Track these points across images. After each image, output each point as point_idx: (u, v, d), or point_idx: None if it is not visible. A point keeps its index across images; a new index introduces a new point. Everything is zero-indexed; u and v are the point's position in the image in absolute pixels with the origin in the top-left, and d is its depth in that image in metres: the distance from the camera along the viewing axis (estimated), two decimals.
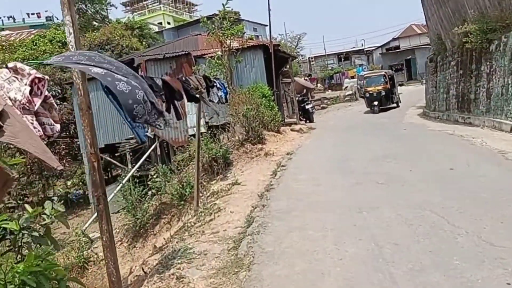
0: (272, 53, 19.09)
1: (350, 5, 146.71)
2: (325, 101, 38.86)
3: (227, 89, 15.12)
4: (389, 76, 26.30)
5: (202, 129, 16.70)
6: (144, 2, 67.43)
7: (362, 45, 55.78)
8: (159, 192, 12.46)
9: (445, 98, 18.49)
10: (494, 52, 13.70)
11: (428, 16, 20.30)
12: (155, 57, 16.68)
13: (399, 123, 19.38)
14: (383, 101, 24.46)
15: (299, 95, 24.77)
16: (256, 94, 14.79)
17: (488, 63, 14.12)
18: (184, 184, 12.09)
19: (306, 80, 44.34)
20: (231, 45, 16.24)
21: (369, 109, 25.01)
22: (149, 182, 13.54)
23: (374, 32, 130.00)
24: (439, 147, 10.59)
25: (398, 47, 47.84)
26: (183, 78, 8.57)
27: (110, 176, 25.73)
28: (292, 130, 19.01)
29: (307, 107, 23.27)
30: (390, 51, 48.19)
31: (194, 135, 15.47)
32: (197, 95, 9.20)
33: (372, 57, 52.41)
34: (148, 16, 63.13)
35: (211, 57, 15.57)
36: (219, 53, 16.36)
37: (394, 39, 49.07)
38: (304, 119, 24.07)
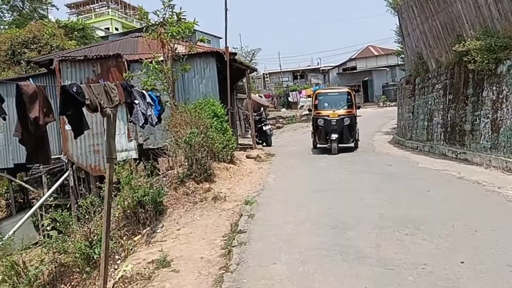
0: (228, 62, 15.45)
1: (307, 22, 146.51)
2: (281, 120, 35.68)
3: (165, 104, 11.31)
4: (353, 96, 17.11)
5: (133, 154, 12.66)
6: (91, 6, 62.25)
7: (318, 63, 53.65)
8: (55, 251, 8.34)
9: (426, 126, 15.57)
10: (504, 75, 10.79)
11: (408, 32, 17.49)
12: (73, 57, 12.53)
13: (371, 151, 16.27)
14: (344, 135, 15.59)
15: (255, 114, 21.30)
16: (205, 113, 11.04)
17: (495, 87, 11.18)
18: (94, 240, 8.12)
19: (261, 97, 41.09)
20: (176, 48, 12.42)
21: (319, 144, 16.21)
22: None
23: (330, 51, 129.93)
24: (466, 204, 7.29)
25: (355, 68, 45.80)
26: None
27: (25, 200, 20.95)
28: (248, 157, 15.35)
29: (264, 128, 19.74)
30: (347, 71, 46.05)
31: (124, 161, 11.49)
32: (108, 110, 5.55)
33: (329, 76, 50.14)
34: (95, 20, 57.94)
35: (150, 61, 11.65)
36: (161, 58, 12.51)
37: (351, 59, 47.06)
38: (260, 141, 20.52)
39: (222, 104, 13.06)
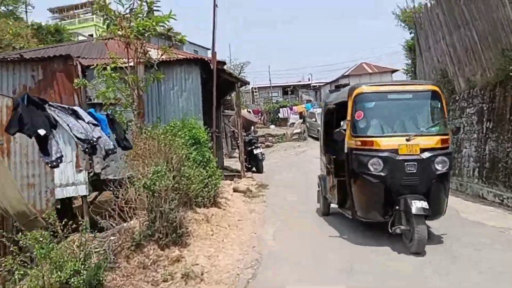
0: (215, 71, 12.39)
1: (297, 37, 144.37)
2: (270, 138, 32.57)
3: (128, 125, 8.17)
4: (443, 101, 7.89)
5: (82, 190, 9.34)
6: (75, 11, 58.87)
7: (309, 79, 50.94)
8: None
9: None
10: None
11: (428, 45, 14.62)
12: (3, 57, 9.26)
13: None
14: (434, 200, 6.90)
15: (245, 134, 18.21)
16: (181, 140, 7.85)
17: None
18: None
19: (250, 112, 38.07)
20: (147, 52, 9.26)
21: (362, 217, 7.18)
22: None
23: (322, 67, 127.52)
24: None
25: (347, 85, 42.98)
26: None
27: None
28: (235, 190, 12.16)
29: (256, 152, 16.61)
30: (339, 89, 43.27)
31: (69, 198, 8.29)
32: None
33: (320, 93, 47.39)
34: (78, 26, 54.56)
35: (104, 67, 8.39)
36: (130, 63, 9.33)
37: (344, 76, 44.40)
38: (250, 166, 17.37)
39: (206, 127, 9.90)
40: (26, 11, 40.59)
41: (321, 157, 9.62)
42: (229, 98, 25.05)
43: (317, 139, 30.70)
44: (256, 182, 13.94)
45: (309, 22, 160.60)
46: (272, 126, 38.67)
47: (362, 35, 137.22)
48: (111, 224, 6.23)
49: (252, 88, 50.59)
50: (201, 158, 8.32)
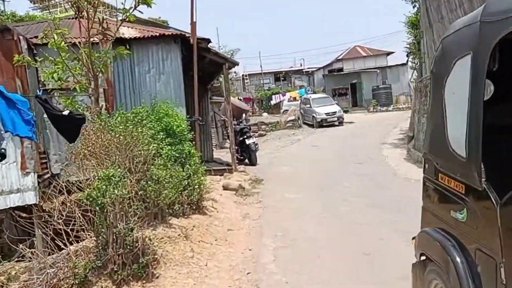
0: (195, 47, 10.47)
1: (288, 20, 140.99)
2: (263, 126, 30.63)
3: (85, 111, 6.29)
4: None
5: (30, 197, 7.39)
6: (57, 0, 55.98)
7: (301, 64, 48.88)
8: None
9: None
10: None
11: (441, 14, 12.72)
12: None
13: (400, 181, 11.50)
14: None
15: (235, 123, 16.29)
16: (149, 131, 5.94)
17: None
18: None
19: (241, 100, 36.12)
20: (107, 25, 7.25)
21: None
22: None
23: (314, 50, 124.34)
24: None
25: (341, 69, 41.20)
26: None
27: None
28: (225, 188, 10.29)
29: (248, 142, 14.70)
30: (333, 73, 41.40)
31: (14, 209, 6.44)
32: None
33: (313, 78, 45.41)
34: (61, 15, 51.96)
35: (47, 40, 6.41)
36: (91, 39, 7.34)
37: (337, 60, 42.46)
38: (242, 157, 15.50)
39: (189, 116, 7.99)
40: (3, 1, 38.11)
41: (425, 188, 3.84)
42: (218, 84, 23.09)
43: (312, 126, 28.94)
44: (249, 176, 12.09)
45: (300, 6, 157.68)
46: (265, 114, 36.75)
47: (357, 17, 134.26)
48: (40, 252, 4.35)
49: (243, 75, 48.52)
50: (178, 154, 6.42)
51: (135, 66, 10.81)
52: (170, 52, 11.02)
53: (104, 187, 4.26)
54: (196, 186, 6.95)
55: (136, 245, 4.37)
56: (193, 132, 7.86)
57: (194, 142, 7.48)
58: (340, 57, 42.41)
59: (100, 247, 4.33)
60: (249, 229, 6.80)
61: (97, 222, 4.33)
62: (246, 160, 15.23)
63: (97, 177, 4.44)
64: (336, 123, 27.63)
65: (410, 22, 18.81)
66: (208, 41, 11.65)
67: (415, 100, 16.73)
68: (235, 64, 12.89)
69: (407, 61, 39.13)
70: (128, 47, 10.67)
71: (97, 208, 4.21)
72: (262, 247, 5.83)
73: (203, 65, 13.97)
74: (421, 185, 8.29)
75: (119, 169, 4.56)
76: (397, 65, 39.12)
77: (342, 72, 40.44)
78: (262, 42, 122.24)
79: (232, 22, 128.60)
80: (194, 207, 6.93)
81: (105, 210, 4.28)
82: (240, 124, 16.05)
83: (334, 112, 27.68)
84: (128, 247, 4.32)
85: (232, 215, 7.60)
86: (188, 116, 8.28)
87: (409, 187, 9.87)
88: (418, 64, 18.18)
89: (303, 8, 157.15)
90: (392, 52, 42.07)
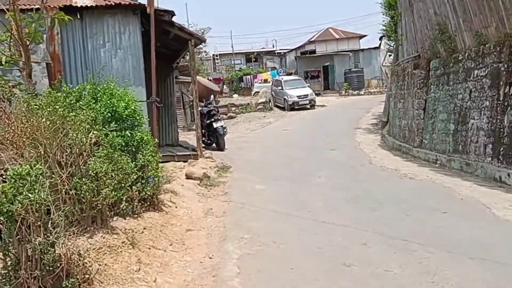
0: (152, 17, 9.30)
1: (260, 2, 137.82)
2: (233, 108, 29.55)
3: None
4: None
5: None
6: None
7: (273, 46, 47.70)
8: None
9: (454, 131, 10.24)
10: None
11: None
12: None
13: (366, 164, 10.79)
14: None
15: (203, 104, 15.17)
16: (89, 112, 4.85)
17: None
18: None
19: (211, 80, 34.81)
20: None
21: None
22: None
23: (286, 31, 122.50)
24: None
25: (314, 52, 40.32)
26: None
27: None
28: (189, 177, 9.28)
29: (215, 125, 13.66)
30: (305, 55, 40.48)
31: None
32: None
33: (286, 60, 44.35)
34: None
35: None
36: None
37: (310, 42, 41.48)
38: (209, 142, 14.49)
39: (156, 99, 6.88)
40: None
41: None
42: (186, 63, 21.78)
43: (283, 108, 28.06)
44: (215, 163, 11.12)
45: None
46: (235, 96, 35.63)
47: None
48: None
49: (213, 55, 47.03)
50: (125, 142, 5.36)
51: (88, 39, 9.54)
52: (129, 24, 9.80)
53: (13, 190, 3.20)
54: (151, 176, 5.93)
55: (58, 264, 3.35)
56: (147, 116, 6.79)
57: (150, 128, 6.41)
58: (312, 39, 41.49)
59: (10, 268, 3.29)
60: (211, 230, 5.85)
61: (5, 235, 3.28)
62: (214, 145, 14.23)
63: (5, 176, 3.37)
64: (308, 106, 26.90)
65: (387, 3, 18.00)
66: (172, 14, 10.43)
67: (390, 84, 16.06)
68: (202, 40, 11.75)
69: (380, 45, 38.79)
70: (80, 17, 9.43)
71: (2, 218, 3.15)
72: (225, 254, 4.90)
73: (167, 41, 12.76)
74: (397, 175, 7.31)
75: (38, 164, 3.49)
76: (369, 48, 38.59)
77: (314, 55, 39.61)
78: (234, 21, 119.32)
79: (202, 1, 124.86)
80: (147, 203, 5.93)
81: (16, 221, 3.23)
82: (208, 106, 14.97)
83: (306, 95, 26.89)
84: (47, 267, 3.30)
85: (193, 211, 6.63)
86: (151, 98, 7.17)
87: (386, 178, 9.17)
88: (395, 46, 17.46)
89: None
90: (365, 36, 41.52)
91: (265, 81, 34.62)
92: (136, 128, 5.89)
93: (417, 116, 12.07)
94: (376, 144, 14.56)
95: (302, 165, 10.96)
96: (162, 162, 11.05)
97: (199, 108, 14.86)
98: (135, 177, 5.38)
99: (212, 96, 20.40)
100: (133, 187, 5.52)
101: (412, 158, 11.59)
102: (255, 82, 36.03)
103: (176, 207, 6.53)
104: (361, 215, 6.33)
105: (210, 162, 11.25)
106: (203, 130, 14.47)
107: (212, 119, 13.72)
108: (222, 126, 13.73)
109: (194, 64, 11.70)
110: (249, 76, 36.87)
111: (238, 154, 13.12)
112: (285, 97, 27.10)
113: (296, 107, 26.39)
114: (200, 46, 47.00)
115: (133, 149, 5.72)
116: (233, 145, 14.81)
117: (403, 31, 14.48)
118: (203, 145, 14.37)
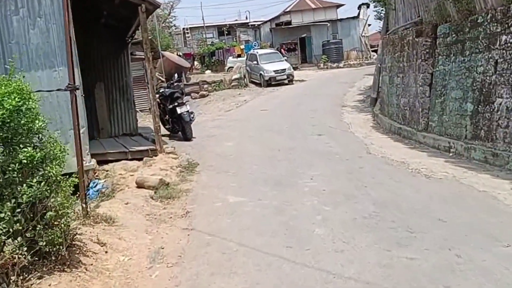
0: None
1: None
2: (205, 86, 26.89)
3: None
4: None
5: None
6: None
7: (246, 17, 44.70)
8: None
9: (474, 112, 8.16)
10: None
11: None
12: None
13: (364, 155, 8.70)
14: None
15: (164, 86, 12.63)
16: None
17: None
18: None
19: (180, 56, 31.90)
20: None
21: None
22: None
23: (260, 1, 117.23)
24: None
25: (289, 23, 37.68)
26: None
27: None
28: (140, 185, 6.95)
29: (179, 111, 11.20)
30: (281, 26, 37.78)
31: None
32: None
33: (260, 32, 41.54)
34: None
35: None
36: None
37: (285, 13, 38.78)
38: (174, 130, 12.09)
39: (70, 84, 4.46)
40: None
41: None
42: (151, 37, 18.99)
43: (259, 85, 25.63)
44: (179, 161, 8.79)
45: None
46: (208, 72, 32.94)
47: None
48: None
49: (183, 28, 43.85)
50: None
51: None
52: None
53: None
54: (57, 221, 3.62)
55: None
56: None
57: (53, 135, 4.02)
58: (288, 9, 38.85)
59: None
60: None
61: None
62: (179, 133, 11.84)
63: None
64: (286, 81, 24.64)
65: None
66: None
67: (382, 56, 13.85)
68: (156, 5, 9.19)
69: (359, 14, 36.48)
70: None
71: None
72: None
73: (114, 9, 10.16)
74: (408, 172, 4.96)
75: None
76: (348, 18, 36.28)
77: (290, 26, 37.00)
78: None
79: None
80: (55, 257, 3.63)
81: None
82: (172, 86, 12.40)
83: (284, 70, 24.54)
84: None
85: (134, 256, 4.35)
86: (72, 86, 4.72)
87: (396, 177, 7.05)
88: (384, 12, 15.21)
89: None
90: (343, 5, 39.11)
91: (239, 55, 31.97)
92: (24, 139, 3.51)
93: (422, 94, 9.94)
94: (369, 126, 12.48)
95: (287, 159, 8.75)
96: (111, 161, 8.69)
97: (161, 90, 12.40)
98: (22, 221, 3.06)
99: (183, 73, 17.78)
100: (22, 237, 3.21)
101: (418, 145, 9.55)
102: (229, 57, 33.33)
103: (106, 251, 4.24)
104: (385, 255, 4.18)
105: (172, 158, 8.92)
106: (166, 116, 12.06)
107: (176, 103, 11.25)
108: (188, 111, 11.29)
109: (147, 35, 9.16)
110: (221, 50, 34.10)
111: (208, 145, 10.80)
112: (261, 72, 24.69)
113: (273, 83, 24.06)
114: (170, 21, 43.71)
115: (19, 176, 3.36)
116: (203, 132, 12.44)
117: None
118: (168, 134, 12.01)
